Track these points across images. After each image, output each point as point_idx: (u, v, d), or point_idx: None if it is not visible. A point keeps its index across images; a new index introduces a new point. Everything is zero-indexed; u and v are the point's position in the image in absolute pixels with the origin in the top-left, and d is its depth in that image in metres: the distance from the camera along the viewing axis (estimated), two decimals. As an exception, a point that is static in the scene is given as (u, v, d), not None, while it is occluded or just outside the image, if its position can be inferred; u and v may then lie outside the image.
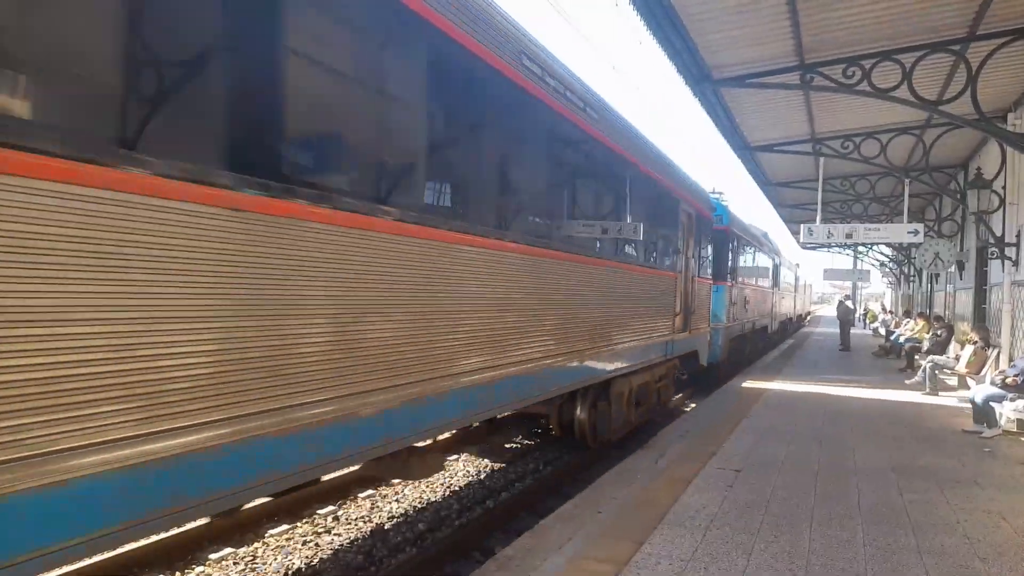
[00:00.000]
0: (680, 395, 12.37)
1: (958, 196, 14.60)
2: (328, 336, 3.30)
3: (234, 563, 5.34)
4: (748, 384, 12.86)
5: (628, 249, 8.05)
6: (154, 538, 5.53)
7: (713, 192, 15.29)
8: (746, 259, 17.50)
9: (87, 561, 5.07)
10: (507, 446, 8.41)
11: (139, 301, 2.37)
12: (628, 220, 7.98)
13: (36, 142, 2.11)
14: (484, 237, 4.84)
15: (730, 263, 15.50)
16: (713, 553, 4.39)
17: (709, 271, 12.80)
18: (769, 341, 23.40)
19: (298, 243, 3.07)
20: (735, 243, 15.90)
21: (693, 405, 12.31)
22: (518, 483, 7.84)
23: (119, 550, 5.26)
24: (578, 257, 6.50)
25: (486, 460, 8.68)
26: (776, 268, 24.03)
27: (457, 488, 7.50)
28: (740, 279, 16.77)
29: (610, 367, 7.56)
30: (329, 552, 5.64)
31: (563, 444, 8.66)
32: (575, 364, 6.53)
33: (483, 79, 4.76)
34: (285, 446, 3.02)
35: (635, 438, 8.99)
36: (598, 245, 7.16)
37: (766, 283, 21.69)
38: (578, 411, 7.63)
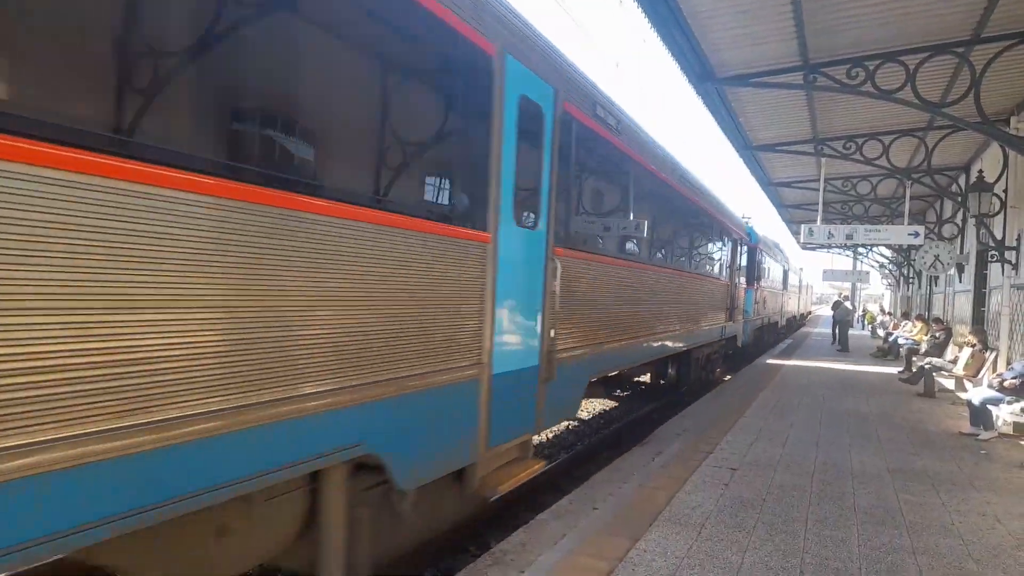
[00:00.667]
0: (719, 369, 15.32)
1: (959, 199, 14.60)
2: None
3: None
4: (770, 361, 13.57)
5: (703, 265, 11.75)
6: None
7: (743, 216, 18.92)
8: (765, 267, 21.25)
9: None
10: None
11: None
12: (704, 246, 11.94)
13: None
14: (639, 263, 7.83)
15: (756, 271, 18.86)
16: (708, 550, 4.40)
17: (743, 278, 16.48)
18: (779, 334, 27.54)
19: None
20: (760, 256, 19.66)
21: (729, 377, 15.04)
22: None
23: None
24: (675, 271, 9.53)
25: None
26: (785, 273, 27.94)
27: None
28: (761, 283, 20.36)
29: (690, 342, 10.89)
30: (324, 544, 5.63)
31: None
32: (673, 340, 9.69)
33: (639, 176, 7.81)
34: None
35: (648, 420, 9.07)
36: (685, 262, 10.31)
37: (778, 286, 25.51)
38: (669, 369, 11.37)
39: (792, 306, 31.25)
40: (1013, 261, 11.57)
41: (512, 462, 5.24)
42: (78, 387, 2.20)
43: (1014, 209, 11.76)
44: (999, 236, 12.07)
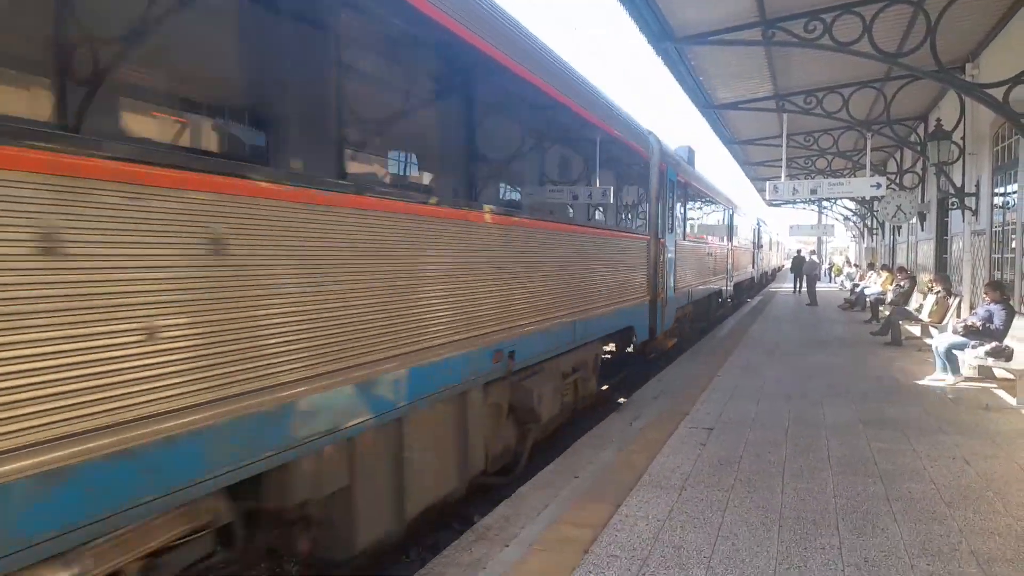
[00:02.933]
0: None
1: (919, 148, 14.76)
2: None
3: None
4: (740, 319, 13.09)
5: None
6: None
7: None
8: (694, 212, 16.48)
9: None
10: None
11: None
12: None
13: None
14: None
15: (672, 217, 16.33)
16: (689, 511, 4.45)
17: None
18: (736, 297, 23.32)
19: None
20: (680, 193, 13.69)
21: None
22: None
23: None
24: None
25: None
26: (731, 220, 20.74)
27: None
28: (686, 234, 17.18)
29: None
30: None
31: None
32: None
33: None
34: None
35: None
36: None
37: (717, 239, 19.62)
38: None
39: (746, 266, 26.00)
40: (973, 208, 11.77)
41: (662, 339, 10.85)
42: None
43: (972, 156, 11.93)
44: (959, 183, 12.25)
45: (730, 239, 19.93)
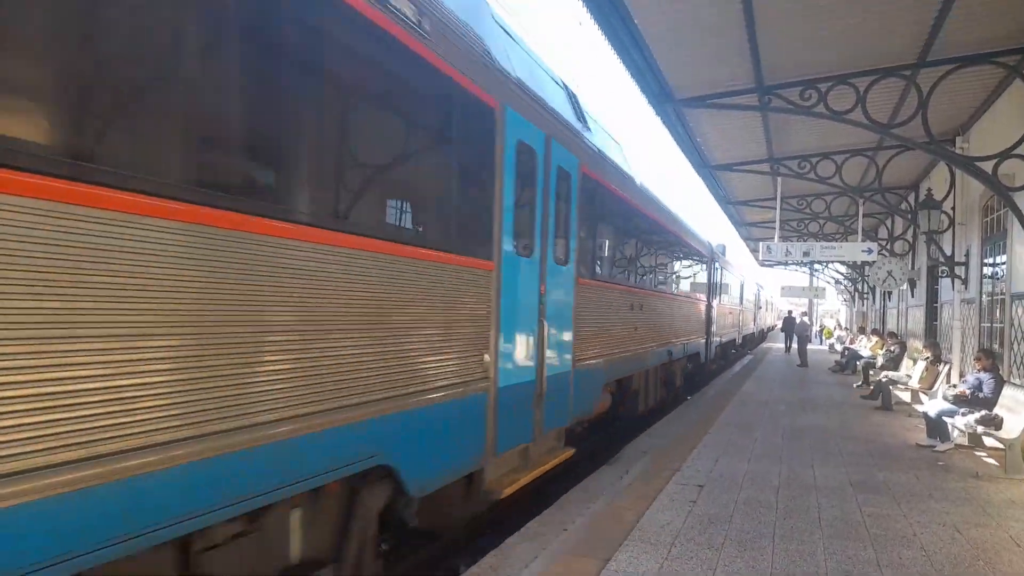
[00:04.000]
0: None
1: (909, 216, 15.04)
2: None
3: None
4: (730, 378, 13.12)
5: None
6: None
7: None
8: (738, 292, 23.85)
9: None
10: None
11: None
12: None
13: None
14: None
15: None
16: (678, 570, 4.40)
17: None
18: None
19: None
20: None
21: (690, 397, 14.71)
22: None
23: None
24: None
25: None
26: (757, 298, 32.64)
27: (420, 507, 7.37)
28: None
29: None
30: None
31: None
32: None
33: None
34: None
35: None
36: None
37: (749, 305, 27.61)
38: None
39: (761, 320, 31.60)
40: (962, 276, 11.93)
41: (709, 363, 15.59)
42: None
43: (962, 226, 12.15)
44: (948, 252, 12.44)
45: (741, 302, 26.46)
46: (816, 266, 31.65)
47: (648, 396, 11.15)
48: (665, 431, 9.48)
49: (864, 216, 15.31)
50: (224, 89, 2.86)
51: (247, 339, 2.88)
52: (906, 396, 13.45)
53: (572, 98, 7.59)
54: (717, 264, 18.97)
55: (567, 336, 6.71)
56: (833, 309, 63.22)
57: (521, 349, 5.67)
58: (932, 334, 14.85)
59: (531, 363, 5.86)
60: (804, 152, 13.43)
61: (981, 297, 11.15)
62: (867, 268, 18.87)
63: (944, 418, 8.76)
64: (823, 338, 41.70)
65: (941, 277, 13.54)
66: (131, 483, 2.39)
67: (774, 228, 15.41)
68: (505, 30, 5.89)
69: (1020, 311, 9.04)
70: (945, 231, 12.69)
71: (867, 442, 9.15)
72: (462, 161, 4.79)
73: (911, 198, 16.54)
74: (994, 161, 8.41)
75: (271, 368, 3.00)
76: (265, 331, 2.97)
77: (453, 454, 4.64)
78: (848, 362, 20.03)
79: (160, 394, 2.50)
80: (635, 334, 9.51)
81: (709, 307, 17.10)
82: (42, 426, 2.14)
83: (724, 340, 21.23)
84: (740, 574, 4.35)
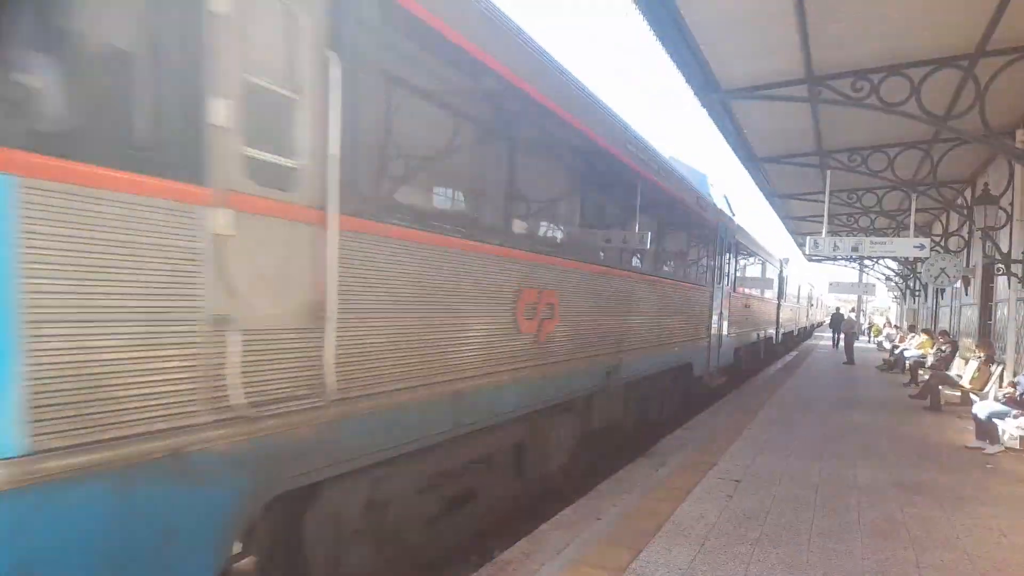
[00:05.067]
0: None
1: (965, 212, 14.56)
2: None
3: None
4: (774, 373, 12.97)
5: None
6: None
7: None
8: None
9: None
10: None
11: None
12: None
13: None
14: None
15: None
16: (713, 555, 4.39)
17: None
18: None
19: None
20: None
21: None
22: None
23: None
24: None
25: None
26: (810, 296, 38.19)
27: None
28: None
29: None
30: (327, 553, 5.62)
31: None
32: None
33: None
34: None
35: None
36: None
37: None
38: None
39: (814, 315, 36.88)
40: (1019, 275, 11.53)
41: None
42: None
43: (1020, 222, 11.73)
44: (1005, 249, 12.03)
45: (798, 301, 32.01)
46: (866, 262, 30.88)
47: (748, 358, 17.10)
48: (702, 425, 9.40)
49: (917, 211, 14.85)
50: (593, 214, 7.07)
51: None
52: (956, 396, 13.07)
53: (726, 199, 15.67)
54: (784, 273, 24.20)
55: (724, 322, 12.89)
56: (883, 306, 61.61)
57: (714, 327, 12.03)
58: (986, 333, 14.38)
59: (714, 332, 12.09)
60: (855, 145, 13.10)
61: (1038, 296, 10.77)
62: (919, 265, 18.34)
63: (994, 420, 8.51)
64: (872, 335, 40.68)
65: (997, 275, 13.09)
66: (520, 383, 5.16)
67: (822, 222, 15.06)
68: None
69: (1079, 312, 8.72)
70: (1002, 227, 12.26)
71: (913, 443, 8.94)
72: (704, 246, 11.69)
73: (967, 193, 16.00)
74: (1055, 155, 8.10)
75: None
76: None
77: (699, 362, 11.27)
78: (897, 360, 19.53)
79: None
80: (746, 323, 15.93)
81: (779, 306, 22.73)
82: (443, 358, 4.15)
83: (786, 330, 26.66)
84: (775, 570, 4.33)
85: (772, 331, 21.37)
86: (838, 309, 32.59)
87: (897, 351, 20.64)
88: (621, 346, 7.37)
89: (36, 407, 2.16)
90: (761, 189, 18.59)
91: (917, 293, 28.12)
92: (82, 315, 2.28)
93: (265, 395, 2.93)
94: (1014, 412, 8.18)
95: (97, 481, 2.34)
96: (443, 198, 4.70)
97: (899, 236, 18.29)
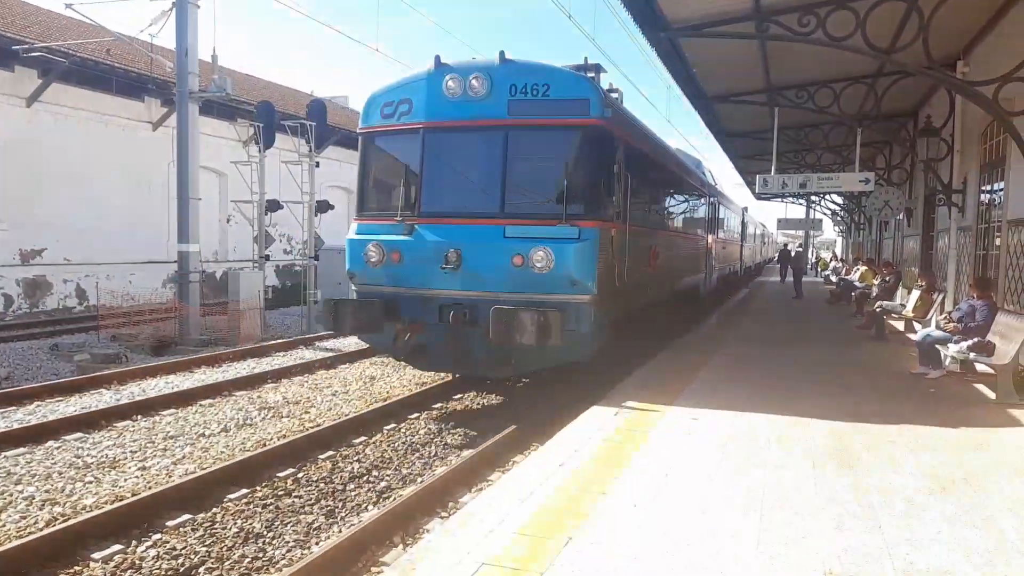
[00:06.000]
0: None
1: (908, 144, 14.86)
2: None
3: (192, 529, 5.26)
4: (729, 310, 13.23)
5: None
6: (107, 507, 5.42)
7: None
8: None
9: (37, 534, 4.95)
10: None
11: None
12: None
13: None
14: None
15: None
16: (673, 501, 4.46)
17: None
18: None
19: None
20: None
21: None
22: (482, 438, 7.87)
23: (71, 520, 5.14)
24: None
25: (448, 416, 8.69)
26: (763, 234, 47.25)
27: (418, 445, 7.49)
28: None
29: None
30: (290, 514, 5.59)
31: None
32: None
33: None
34: None
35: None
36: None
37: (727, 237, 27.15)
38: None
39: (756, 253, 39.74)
40: (960, 204, 11.86)
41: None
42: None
43: (960, 153, 12.01)
44: (946, 180, 12.34)
45: (753, 241, 35.78)
46: (813, 198, 31.49)
47: (724, 285, 22.30)
48: (661, 366, 9.54)
49: (862, 145, 15.08)
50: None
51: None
52: (900, 325, 13.54)
53: (710, 172, 20.16)
54: (746, 220, 29.88)
55: (713, 260, 18.22)
56: (830, 240, 63.24)
57: (710, 264, 17.85)
58: (928, 263, 14.86)
59: (709, 268, 17.78)
60: (802, 81, 13.16)
61: (978, 224, 11.11)
62: (864, 198, 18.74)
63: (936, 345, 8.83)
64: (819, 270, 41.81)
65: (938, 205, 13.47)
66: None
67: (771, 161, 15.22)
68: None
69: (1016, 237, 9.01)
70: (943, 159, 12.56)
71: (861, 371, 9.24)
72: (706, 210, 17.58)
73: (910, 126, 16.31)
74: (995, 86, 8.22)
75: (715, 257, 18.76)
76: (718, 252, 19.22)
77: (702, 287, 17.00)
78: (843, 292, 20.11)
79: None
80: (724, 260, 21.72)
81: (742, 245, 28.20)
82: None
83: (747, 264, 32.23)
84: (734, 494, 4.43)
85: (738, 266, 27.68)
86: (786, 246, 33.95)
87: (843, 284, 21.23)
88: (709, 267, 17.91)
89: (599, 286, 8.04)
90: (710, 128, 18.64)
91: (862, 227, 28.87)
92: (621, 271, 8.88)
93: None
94: (955, 337, 8.48)
95: (720, 268, 20.21)
96: (669, 219, 12.92)
97: (845, 171, 18.62)
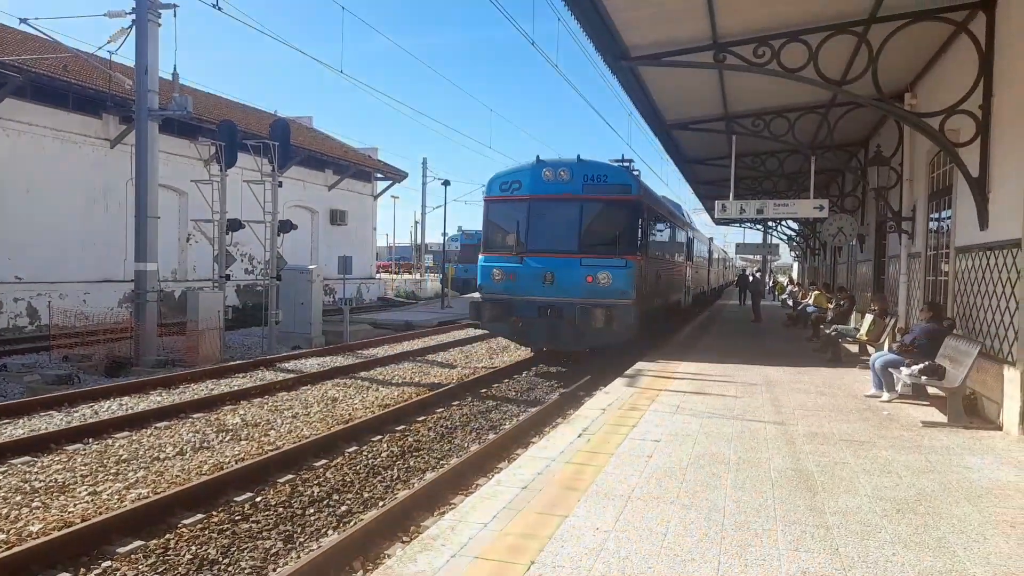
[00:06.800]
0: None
1: (859, 173, 15.33)
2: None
3: (144, 556, 5.11)
4: (686, 335, 13.38)
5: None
6: (55, 533, 5.25)
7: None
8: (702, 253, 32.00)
9: (-19, 563, 4.77)
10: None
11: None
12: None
13: None
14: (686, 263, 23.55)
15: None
16: (634, 523, 4.49)
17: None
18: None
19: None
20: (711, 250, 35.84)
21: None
22: (444, 460, 7.82)
23: (16, 548, 4.96)
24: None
25: (410, 439, 8.62)
26: (725, 260, 52.66)
27: (380, 468, 7.41)
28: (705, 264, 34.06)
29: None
30: (247, 540, 5.47)
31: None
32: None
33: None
34: None
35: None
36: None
37: (698, 263, 33.02)
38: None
39: (715, 277, 42.32)
40: (909, 231, 12.25)
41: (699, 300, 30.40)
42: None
43: (909, 182, 12.43)
44: (896, 208, 12.74)
45: (716, 266, 40.35)
46: (770, 224, 32.22)
47: (696, 301, 26.52)
48: (620, 387, 9.62)
49: (816, 173, 15.53)
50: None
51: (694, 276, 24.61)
52: (855, 348, 13.87)
53: (686, 210, 26.20)
54: (711, 248, 35.67)
55: (689, 282, 22.89)
56: (786, 265, 64.61)
57: (687, 283, 22.54)
58: (880, 288, 15.28)
59: (687, 287, 22.40)
60: (758, 110, 13.52)
61: (927, 251, 11.48)
62: (819, 224, 19.23)
63: (889, 369, 9.06)
64: (776, 294, 42.64)
65: (889, 232, 13.88)
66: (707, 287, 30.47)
67: (729, 187, 15.56)
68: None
69: (963, 264, 9.34)
70: (893, 187, 12.97)
71: (817, 394, 9.43)
72: (687, 243, 22.87)
73: (861, 155, 16.84)
74: (941, 117, 8.57)
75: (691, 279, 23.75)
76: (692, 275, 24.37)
77: (683, 301, 21.65)
78: (800, 316, 20.55)
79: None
80: (696, 281, 25.49)
81: (709, 270, 33.08)
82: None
83: (713, 285, 37.45)
84: (695, 520, 4.48)
85: (706, 287, 32.52)
86: (744, 270, 36.00)
87: (799, 307, 21.71)
88: (687, 286, 22.44)
89: (635, 295, 13.44)
90: (670, 154, 19.00)
91: (817, 252, 29.58)
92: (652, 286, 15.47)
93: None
94: (907, 361, 8.72)
95: (695, 289, 26.00)
96: (666, 252, 17.91)
97: (800, 198, 19.12)
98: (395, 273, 55.25)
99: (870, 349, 11.92)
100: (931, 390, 8.81)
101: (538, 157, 14.09)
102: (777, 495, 5.10)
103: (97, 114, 21.09)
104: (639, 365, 11.72)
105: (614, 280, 13.16)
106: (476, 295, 14.79)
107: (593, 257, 13.36)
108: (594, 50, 9.94)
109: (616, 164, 14.93)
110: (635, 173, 14.85)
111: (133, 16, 14.63)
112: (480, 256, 14.40)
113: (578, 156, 13.82)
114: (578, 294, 13.17)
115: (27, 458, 7.37)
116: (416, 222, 77.21)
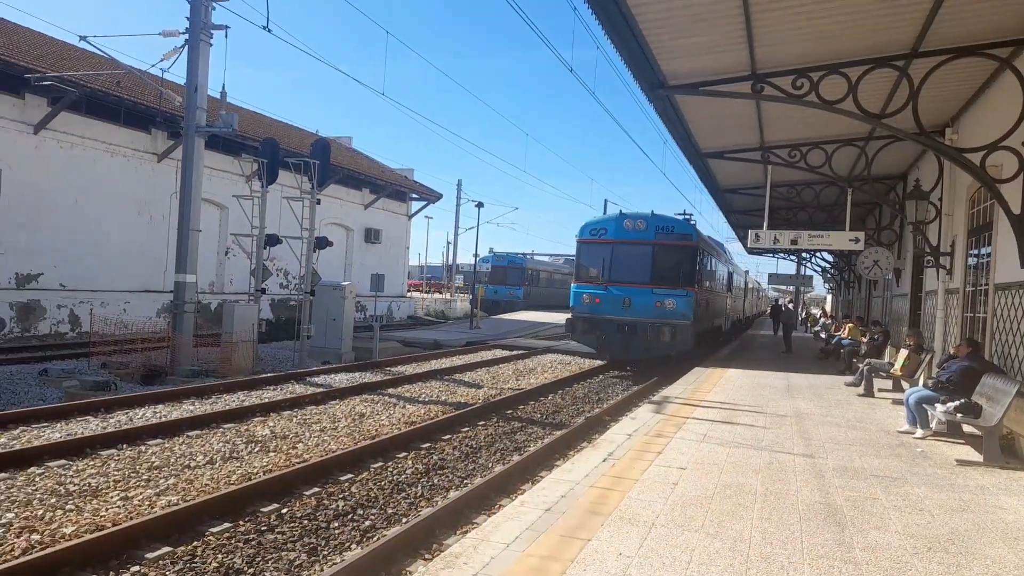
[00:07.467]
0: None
1: (897, 206, 15.14)
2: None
3: (171, 562, 5.21)
4: (715, 365, 13.23)
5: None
6: (87, 536, 5.38)
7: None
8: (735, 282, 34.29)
9: (12, 562, 4.91)
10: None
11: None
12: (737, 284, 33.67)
13: None
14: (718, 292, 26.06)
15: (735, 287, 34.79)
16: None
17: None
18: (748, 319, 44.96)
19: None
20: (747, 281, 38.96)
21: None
22: (468, 480, 7.84)
23: (49, 549, 5.10)
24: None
25: (435, 456, 8.67)
26: (759, 289, 55.85)
27: (405, 485, 7.46)
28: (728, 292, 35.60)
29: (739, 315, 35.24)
30: (272, 551, 5.55)
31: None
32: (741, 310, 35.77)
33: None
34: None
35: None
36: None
37: (736, 293, 36.09)
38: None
39: (751, 308, 46.21)
40: (947, 267, 12.05)
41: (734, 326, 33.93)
42: None
43: (948, 216, 12.25)
44: (934, 242, 12.55)
45: (750, 296, 42.17)
46: (804, 255, 31.87)
47: (735, 327, 30.54)
48: (648, 415, 9.56)
49: (852, 205, 15.41)
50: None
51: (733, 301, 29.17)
52: (888, 384, 13.61)
53: (725, 247, 30.80)
54: (747, 280, 38.24)
55: (729, 310, 27.55)
56: (820, 297, 63.67)
57: (728, 311, 27.12)
58: (916, 323, 15.00)
59: (728, 314, 27.19)
60: (795, 141, 13.47)
61: (965, 287, 11.28)
62: (854, 257, 19.00)
63: (924, 405, 8.89)
64: (808, 326, 42.02)
65: (926, 267, 13.66)
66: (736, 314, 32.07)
67: (763, 216, 15.49)
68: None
69: (1002, 302, 9.16)
70: (932, 221, 12.79)
71: (848, 428, 9.28)
72: (731, 276, 27.47)
73: (899, 188, 16.64)
74: (982, 153, 8.47)
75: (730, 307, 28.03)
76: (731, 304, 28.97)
77: (725, 326, 26.95)
78: (833, 349, 20.22)
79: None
80: (734, 310, 29.90)
81: (744, 300, 35.59)
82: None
83: (748, 314, 40.89)
84: (720, 550, 4.44)
85: (742, 315, 35.87)
86: (777, 300, 36.44)
87: (833, 340, 21.36)
88: (727, 313, 27.11)
89: (693, 317, 18.33)
90: (704, 183, 18.97)
91: (852, 284, 29.15)
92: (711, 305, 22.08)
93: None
94: (942, 398, 8.55)
95: (733, 317, 30.26)
96: (714, 284, 22.50)
97: (836, 230, 18.92)
98: (425, 292, 55.67)
99: (904, 384, 11.68)
100: (966, 428, 8.62)
101: (621, 211, 19.56)
102: (805, 528, 5.04)
103: (146, 129, 21.78)
104: (665, 391, 11.63)
105: (677, 305, 17.76)
106: (568, 315, 19.69)
107: (662, 288, 17.95)
108: (631, 78, 10.06)
109: (680, 217, 19.57)
110: (693, 223, 19.24)
111: (186, 36, 15.16)
112: (572, 284, 19.59)
113: (652, 211, 18.79)
114: (650, 315, 17.75)
115: (63, 461, 7.56)
116: (448, 242, 77.75)
